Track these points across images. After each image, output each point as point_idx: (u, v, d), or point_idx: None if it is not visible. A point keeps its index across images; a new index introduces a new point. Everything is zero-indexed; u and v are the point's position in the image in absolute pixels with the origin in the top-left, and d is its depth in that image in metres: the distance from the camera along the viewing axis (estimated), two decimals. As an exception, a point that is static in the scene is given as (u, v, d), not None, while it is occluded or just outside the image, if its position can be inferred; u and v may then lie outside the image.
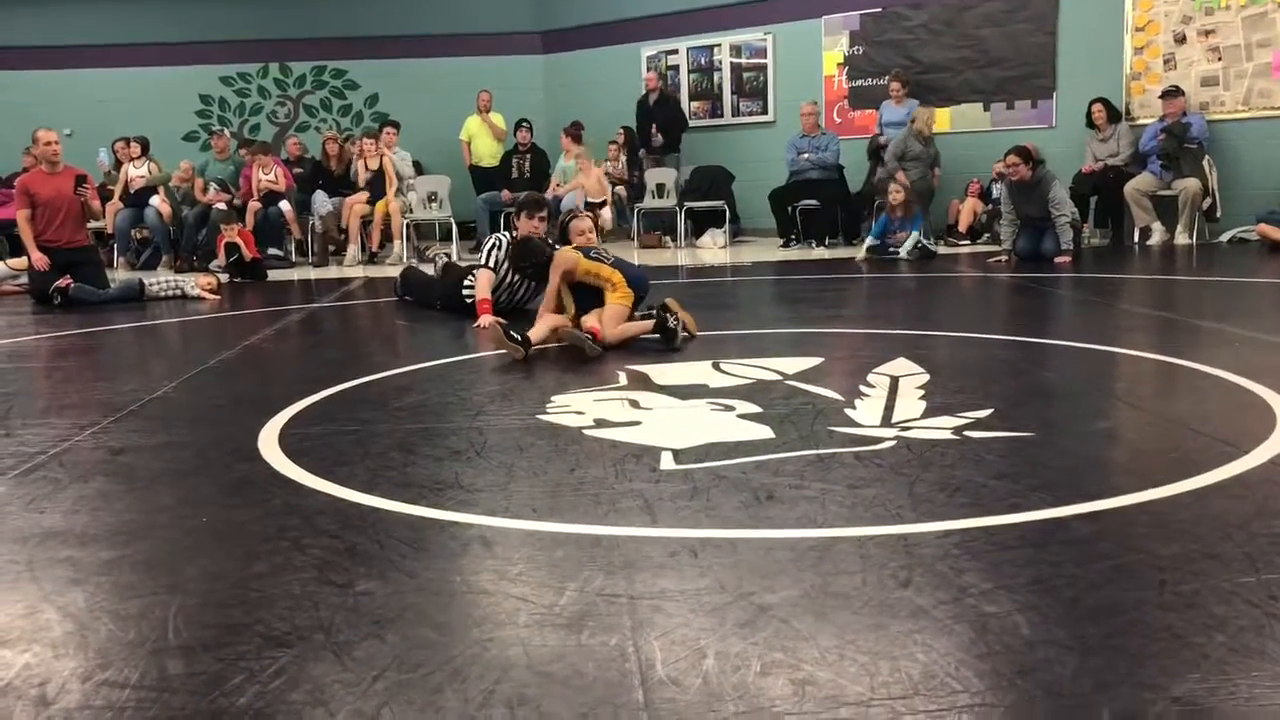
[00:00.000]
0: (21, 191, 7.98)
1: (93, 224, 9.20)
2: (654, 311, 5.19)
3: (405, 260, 10.40)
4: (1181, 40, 9.81)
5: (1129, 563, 2.23)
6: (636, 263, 6.15)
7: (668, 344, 5.01)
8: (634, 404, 3.88)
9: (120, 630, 2.04)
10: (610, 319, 5.08)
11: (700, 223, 11.44)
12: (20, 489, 3.01)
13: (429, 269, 7.79)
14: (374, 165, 10.76)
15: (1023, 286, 7.31)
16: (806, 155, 10.67)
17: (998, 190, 9.63)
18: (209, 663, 1.88)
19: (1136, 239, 9.56)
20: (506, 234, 6.50)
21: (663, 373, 4.42)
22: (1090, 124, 9.99)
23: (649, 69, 12.23)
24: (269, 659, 1.88)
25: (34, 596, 2.23)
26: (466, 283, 6.42)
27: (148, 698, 1.76)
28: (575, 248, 5.44)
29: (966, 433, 3.30)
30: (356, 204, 10.66)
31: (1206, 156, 9.38)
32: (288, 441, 3.44)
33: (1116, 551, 2.30)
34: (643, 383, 4.26)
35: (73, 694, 1.78)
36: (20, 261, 8.55)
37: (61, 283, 7.66)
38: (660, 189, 11.37)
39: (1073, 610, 2.00)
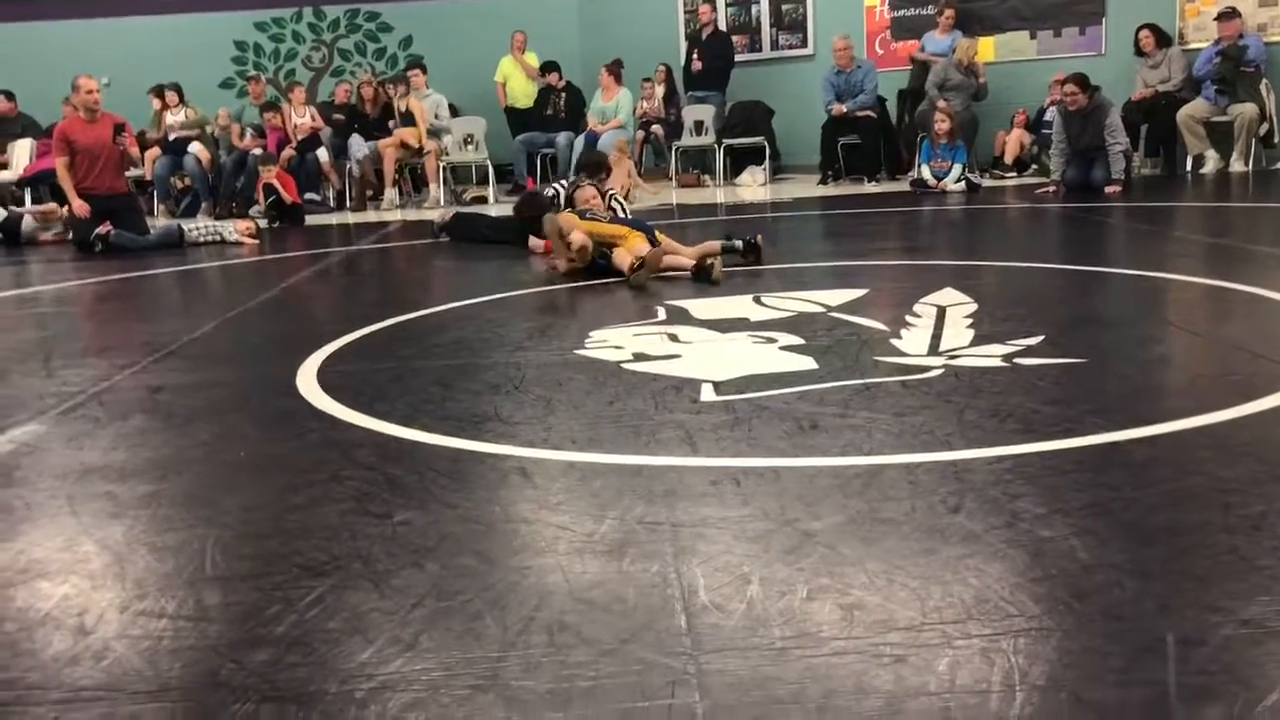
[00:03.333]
0: (60, 139, 7.98)
1: (132, 171, 9.20)
2: (737, 243, 5.38)
3: (443, 203, 10.41)
4: (1238, -41, 9.44)
5: (1190, 486, 2.14)
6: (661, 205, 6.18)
7: (704, 278, 4.96)
8: (673, 338, 3.82)
9: (158, 562, 2.02)
10: (647, 252, 5.07)
11: (739, 160, 11.25)
12: (61, 427, 3.01)
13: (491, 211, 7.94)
14: (403, 107, 10.66)
15: (1072, 216, 7.13)
16: (844, 106, 10.32)
17: (1050, 115, 9.35)
18: (246, 593, 1.86)
19: (1189, 167, 9.29)
20: (559, 185, 6.57)
21: (703, 307, 4.35)
22: (1139, 51, 9.66)
23: (703, 1, 11.93)
24: (306, 588, 1.85)
25: (73, 530, 2.22)
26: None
27: (184, 627, 1.74)
28: (573, 210, 5.49)
29: (1017, 360, 3.20)
30: (391, 148, 10.59)
31: (1264, 80, 9.06)
32: (326, 378, 3.42)
33: (1176, 475, 2.21)
34: (682, 317, 4.19)
35: (110, 624, 1.77)
36: (49, 207, 8.61)
37: (102, 229, 7.68)
38: (699, 126, 11.18)
39: (1132, 534, 1.92)
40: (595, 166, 6.51)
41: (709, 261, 4.97)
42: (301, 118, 10.77)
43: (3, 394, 3.46)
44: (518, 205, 6.27)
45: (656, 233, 5.45)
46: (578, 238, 5.12)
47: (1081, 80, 8.26)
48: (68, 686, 1.57)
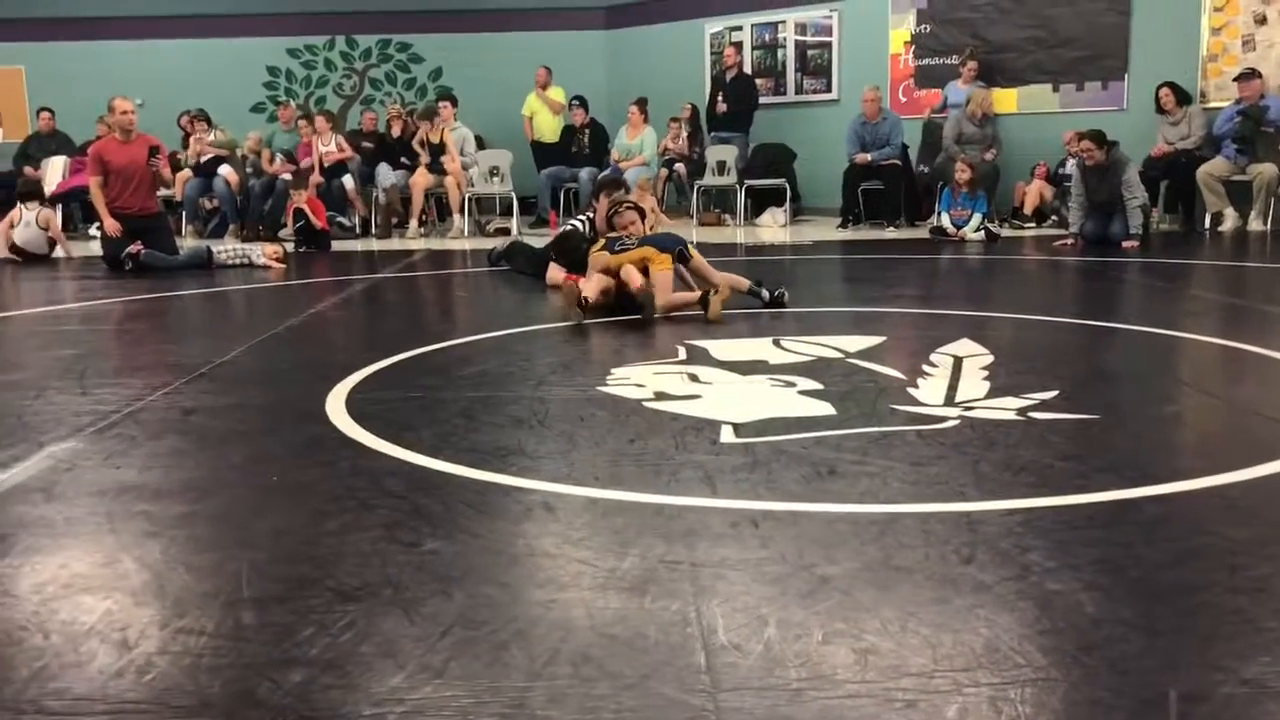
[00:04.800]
0: (94, 159, 8.14)
1: (162, 192, 9.37)
2: (764, 293, 5.52)
3: (466, 233, 10.57)
4: (1262, 21, 9.55)
5: (1198, 546, 2.20)
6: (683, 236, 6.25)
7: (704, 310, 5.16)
8: (693, 378, 3.89)
9: (195, 581, 2.09)
10: (660, 289, 5.19)
11: (760, 201, 11.37)
12: (97, 445, 3.10)
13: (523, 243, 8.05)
14: (435, 139, 10.81)
15: (1089, 270, 7.20)
16: (869, 155, 10.48)
17: (1070, 166, 9.45)
18: (281, 615, 1.93)
19: (1208, 225, 9.35)
20: (580, 220, 6.69)
21: (723, 348, 4.42)
22: (1159, 109, 9.75)
23: (728, 44, 12.11)
24: (339, 613, 1.92)
25: (113, 547, 2.30)
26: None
27: (223, 646, 1.81)
28: (601, 247, 5.54)
29: (1031, 414, 3.26)
30: (420, 179, 10.73)
31: (1285, 140, 9.14)
32: (354, 406, 3.50)
33: (1185, 534, 2.27)
34: (702, 357, 4.26)
35: (152, 640, 1.84)
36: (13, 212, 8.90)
37: (133, 249, 7.82)
38: (721, 166, 11.31)
39: (1140, 590, 1.98)
40: (614, 185, 6.63)
41: (711, 296, 5.14)
42: (327, 146, 10.92)
43: (41, 410, 3.56)
44: (551, 246, 6.38)
45: (690, 246, 5.54)
46: (592, 288, 5.22)
47: (1098, 137, 8.35)
48: (114, 700, 1.64)
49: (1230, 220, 9.18)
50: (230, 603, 1.99)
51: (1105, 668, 1.69)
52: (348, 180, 10.94)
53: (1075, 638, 1.79)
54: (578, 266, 5.91)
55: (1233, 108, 9.33)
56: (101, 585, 2.08)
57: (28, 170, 11.61)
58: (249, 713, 1.60)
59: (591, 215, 6.61)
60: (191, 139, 11.18)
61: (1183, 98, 9.66)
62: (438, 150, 10.70)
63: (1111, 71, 10.31)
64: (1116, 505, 2.45)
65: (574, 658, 1.75)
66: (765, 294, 5.53)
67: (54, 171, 11.46)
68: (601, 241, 5.68)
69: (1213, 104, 9.74)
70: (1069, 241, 8.51)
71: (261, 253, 8.22)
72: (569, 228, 6.66)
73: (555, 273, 6.33)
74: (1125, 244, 8.16)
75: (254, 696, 1.64)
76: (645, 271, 5.30)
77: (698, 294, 5.27)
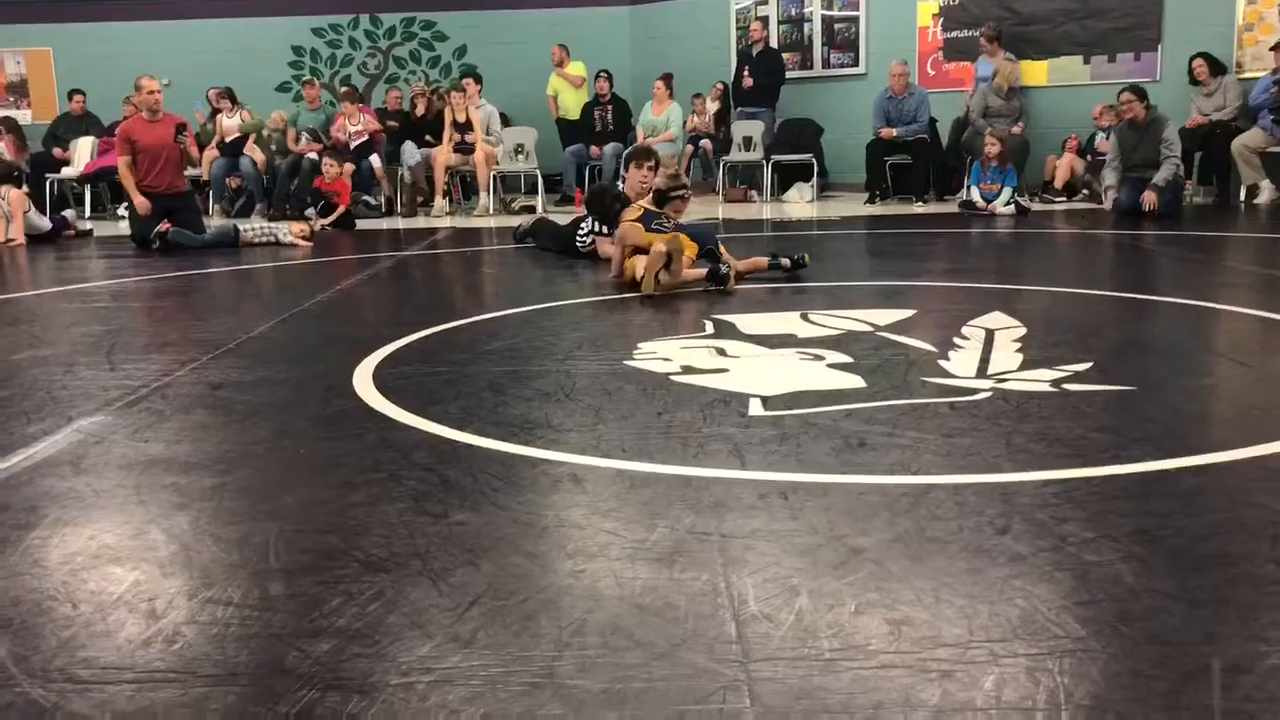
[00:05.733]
0: (123, 139, 8.16)
1: (189, 171, 9.39)
2: (784, 261, 5.55)
3: (491, 211, 10.56)
4: (1299, -12, 9.37)
5: (1238, 516, 2.15)
6: (707, 219, 6.21)
7: (718, 285, 5.20)
8: (721, 352, 3.86)
9: (223, 552, 2.09)
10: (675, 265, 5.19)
11: (787, 177, 11.28)
12: (125, 419, 3.11)
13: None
14: (460, 117, 10.78)
15: (1122, 243, 7.10)
16: (895, 131, 10.36)
17: (1100, 139, 9.32)
18: (308, 585, 1.92)
19: (1243, 197, 9.20)
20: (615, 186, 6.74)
21: (750, 322, 4.38)
22: (1192, 80, 9.59)
23: (754, 19, 12.00)
24: (367, 583, 1.91)
25: (141, 519, 2.29)
26: (580, 231, 6.68)
27: (250, 616, 1.80)
28: (637, 217, 5.47)
29: (1065, 385, 3.21)
30: (441, 156, 10.72)
31: (1323, 111, 8.97)
32: (381, 380, 3.49)
33: (1224, 505, 2.22)
34: (730, 331, 4.23)
35: (180, 610, 1.84)
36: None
37: (161, 227, 7.85)
38: (747, 142, 11.23)
39: (1179, 561, 1.94)
40: (645, 154, 6.57)
41: (724, 270, 5.17)
42: (356, 125, 10.91)
43: (70, 385, 3.57)
44: (587, 198, 6.36)
45: (720, 245, 5.50)
46: (652, 258, 5.13)
47: (1138, 90, 8.24)
48: (141, 668, 1.64)
49: (1266, 192, 9.03)
50: (258, 573, 1.98)
51: (1145, 639, 1.65)
52: (374, 159, 10.93)
53: (1114, 608, 1.75)
54: (607, 221, 5.91)
55: (1269, 77, 9.16)
56: (130, 556, 2.08)
57: (56, 151, 11.67)
58: (277, 681, 1.59)
59: (622, 185, 6.61)
60: (220, 116, 11.21)
61: (1217, 68, 9.49)
62: (465, 128, 10.67)
63: (1144, 42, 10.14)
64: (1154, 476, 2.40)
65: (603, 627, 1.73)
66: (785, 261, 5.50)
67: (82, 152, 11.52)
68: (639, 211, 5.59)
69: (1248, 74, 9.57)
70: (1107, 204, 8.44)
71: (288, 231, 8.23)
72: (607, 184, 6.67)
73: (606, 246, 6.23)
74: (1144, 196, 8.01)
75: (282, 665, 1.64)
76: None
77: (703, 271, 5.24)
